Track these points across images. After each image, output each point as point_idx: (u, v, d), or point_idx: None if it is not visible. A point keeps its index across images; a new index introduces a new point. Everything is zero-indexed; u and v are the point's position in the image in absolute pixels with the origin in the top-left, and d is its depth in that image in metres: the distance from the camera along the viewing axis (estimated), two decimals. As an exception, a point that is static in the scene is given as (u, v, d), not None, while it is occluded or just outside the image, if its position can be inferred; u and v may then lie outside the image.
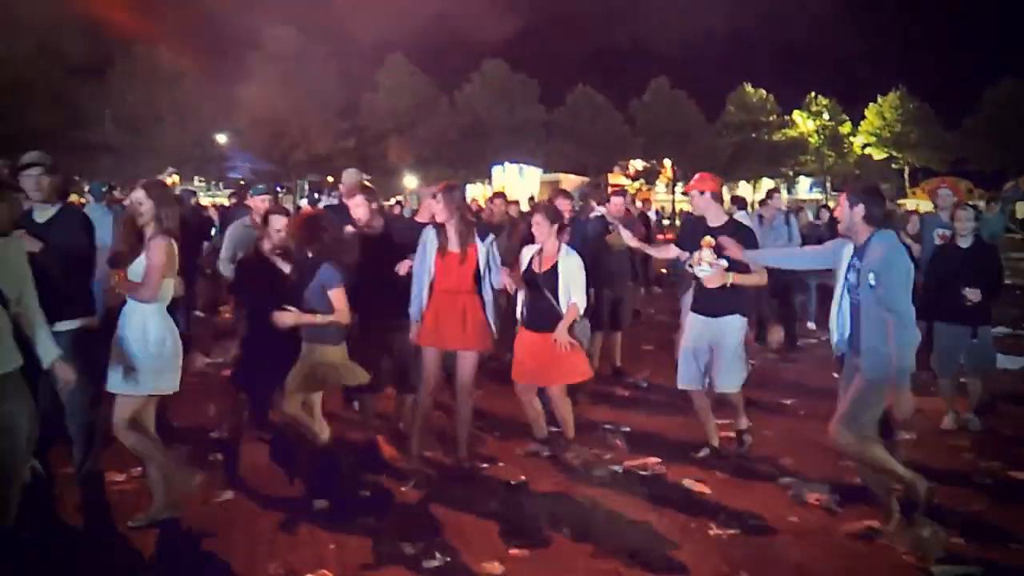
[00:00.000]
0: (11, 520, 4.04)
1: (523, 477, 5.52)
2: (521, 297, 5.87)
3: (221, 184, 48.01)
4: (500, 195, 10.16)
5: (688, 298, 6.39)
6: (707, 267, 5.48)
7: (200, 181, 47.52)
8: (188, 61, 45.11)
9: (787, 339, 9.97)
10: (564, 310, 5.64)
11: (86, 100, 41.26)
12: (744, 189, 50.90)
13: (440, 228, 5.53)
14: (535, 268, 5.78)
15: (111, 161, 38.94)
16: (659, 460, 5.84)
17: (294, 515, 4.82)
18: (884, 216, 4.60)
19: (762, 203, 10.97)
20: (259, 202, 6.55)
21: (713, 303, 5.69)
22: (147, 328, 4.46)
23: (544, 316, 5.71)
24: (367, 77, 49.01)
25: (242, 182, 27.78)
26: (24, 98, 37.82)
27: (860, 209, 4.45)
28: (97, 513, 4.75)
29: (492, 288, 5.58)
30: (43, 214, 4.74)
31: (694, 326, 5.85)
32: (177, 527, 4.61)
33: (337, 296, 4.96)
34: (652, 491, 5.31)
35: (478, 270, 5.53)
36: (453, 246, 5.49)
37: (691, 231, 5.94)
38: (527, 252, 5.91)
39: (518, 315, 5.94)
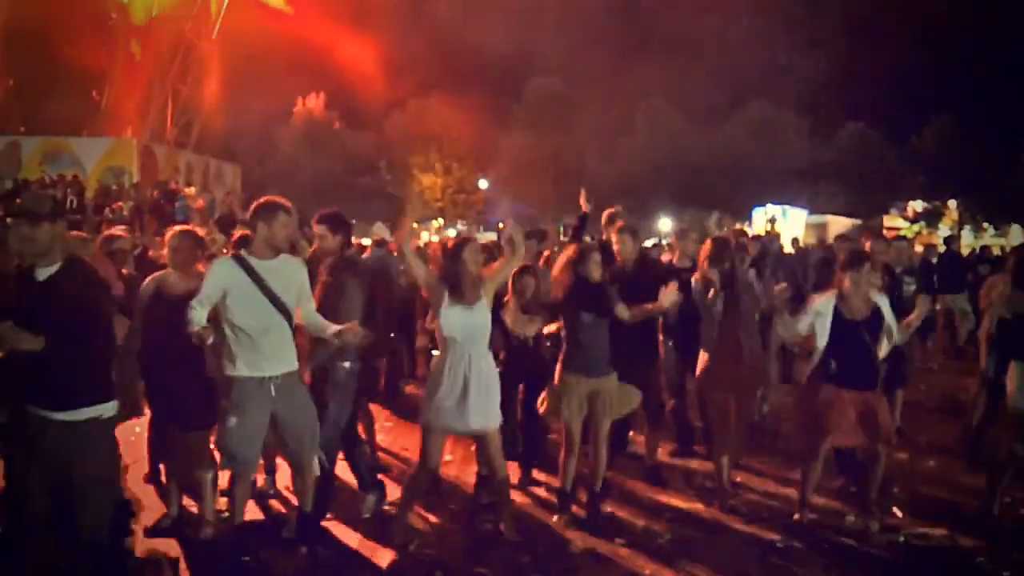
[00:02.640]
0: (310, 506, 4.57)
1: (794, 542, 5.05)
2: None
3: (481, 227, 50.31)
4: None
5: None
6: None
7: (462, 224, 50.14)
8: (454, 113, 48.05)
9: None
10: None
11: (363, 151, 45.54)
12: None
13: None
14: (845, 314, 5.04)
15: (384, 205, 42.22)
16: (945, 532, 5.19)
17: (554, 552, 4.84)
18: None
19: None
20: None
21: None
22: None
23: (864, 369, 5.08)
24: (626, 117, 49.36)
25: (501, 225, 28.86)
26: (312, 150, 42.48)
27: None
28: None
29: None
30: None
31: None
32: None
33: None
34: (935, 565, 4.81)
35: None
36: None
37: None
38: (827, 300, 5.12)
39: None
